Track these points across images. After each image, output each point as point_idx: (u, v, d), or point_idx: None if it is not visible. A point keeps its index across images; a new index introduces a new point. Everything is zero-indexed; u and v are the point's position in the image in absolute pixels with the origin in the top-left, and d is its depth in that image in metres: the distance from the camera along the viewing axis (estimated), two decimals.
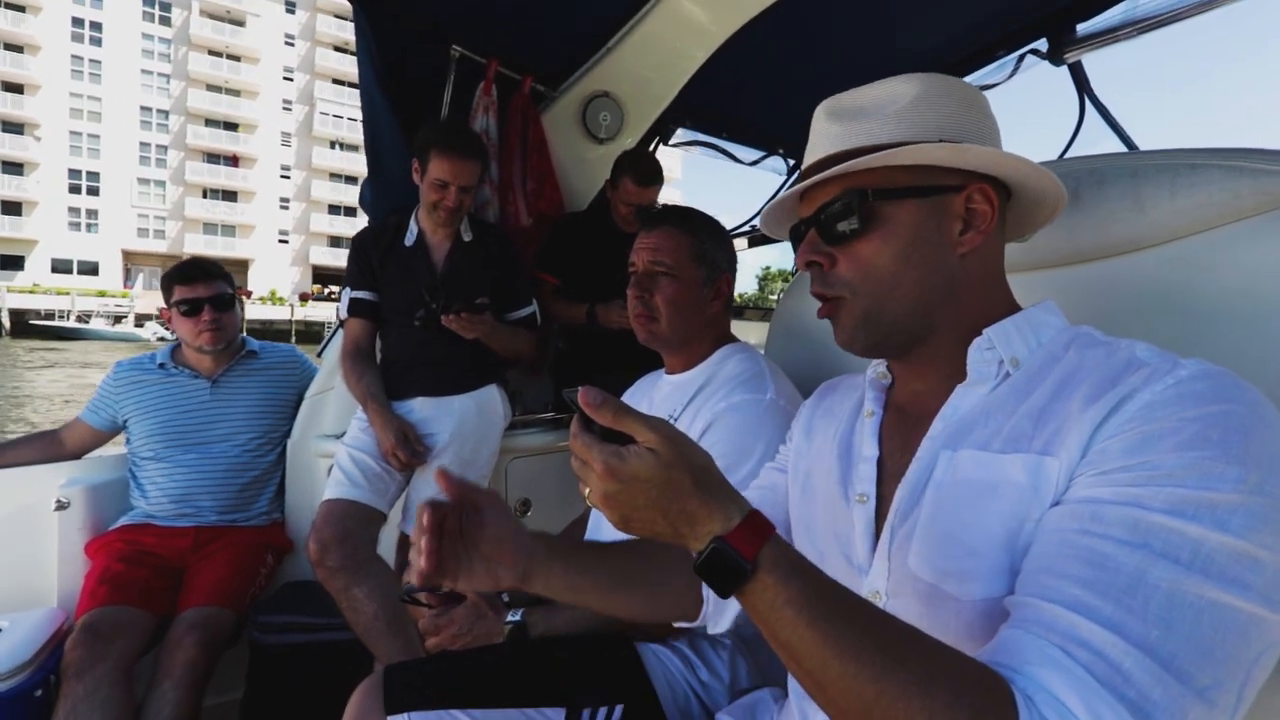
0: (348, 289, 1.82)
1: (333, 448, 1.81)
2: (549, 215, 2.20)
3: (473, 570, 0.69)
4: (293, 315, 36.06)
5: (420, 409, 1.77)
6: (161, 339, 29.88)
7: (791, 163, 3.19)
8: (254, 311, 35.29)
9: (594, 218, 2.25)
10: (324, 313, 36.23)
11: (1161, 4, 1.96)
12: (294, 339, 33.10)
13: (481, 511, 0.71)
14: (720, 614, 0.79)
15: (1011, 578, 0.51)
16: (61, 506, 1.67)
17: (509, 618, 1.00)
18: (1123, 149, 1.65)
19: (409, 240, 1.79)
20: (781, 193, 0.67)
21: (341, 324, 1.86)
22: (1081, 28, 2.11)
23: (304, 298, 40.49)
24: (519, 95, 2.09)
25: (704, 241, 1.15)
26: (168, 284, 1.81)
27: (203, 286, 1.79)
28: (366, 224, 1.91)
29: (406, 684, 0.87)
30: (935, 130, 0.61)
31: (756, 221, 3.48)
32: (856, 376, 0.80)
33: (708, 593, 0.79)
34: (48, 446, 1.80)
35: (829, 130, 0.65)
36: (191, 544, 1.69)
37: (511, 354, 1.86)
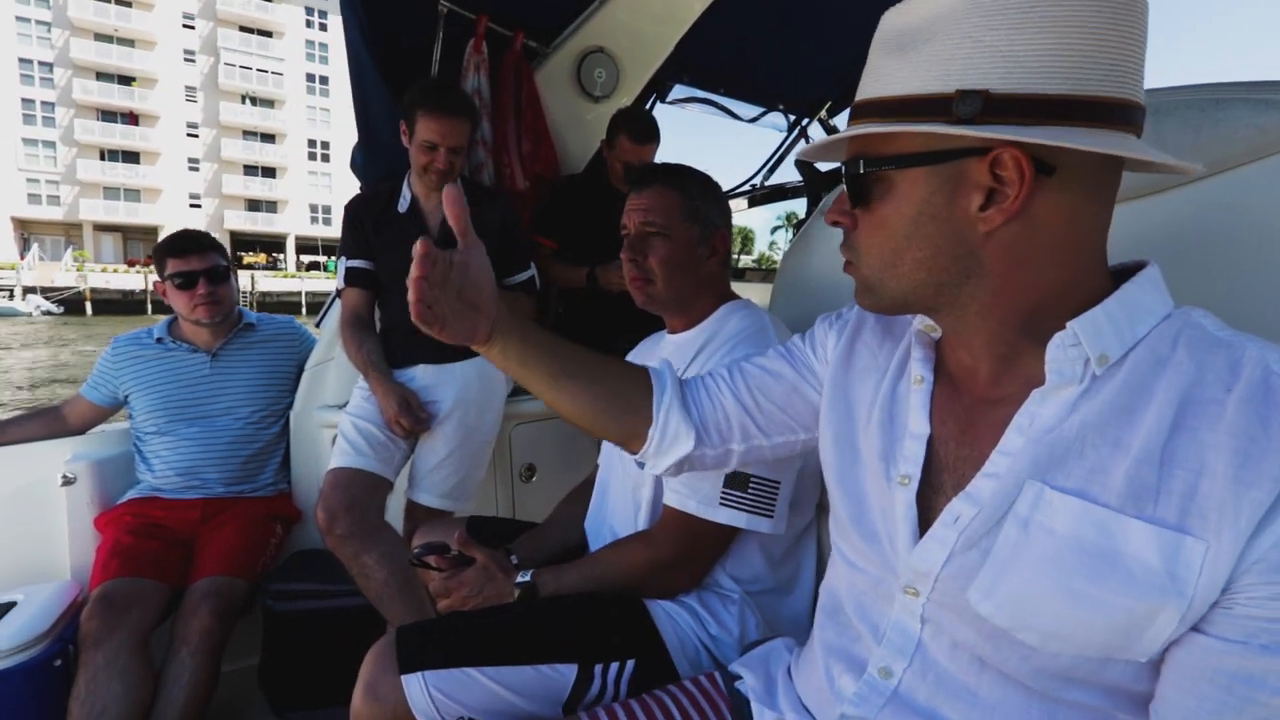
0: (343, 258, 1.79)
1: (335, 418, 1.81)
2: (546, 177, 2.16)
3: (454, 316, 0.72)
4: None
5: (422, 376, 1.76)
6: (47, 312, 27.68)
7: (792, 118, 3.12)
8: (132, 281, 30.70)
9: (591, 179, 2.21)
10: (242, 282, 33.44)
11: None
12: None
13: (467, 261, 0.73)
14: (662, 455, 0.79)
15: (1116, 650, 0.47)
16: (68, 482, 1.68)
17: (519, 578, 1.01)
18: None
19: (403, 206, 1.75)
20: (821, 141, 0.61)
21: (339, 294, 1.84)
22: None
23: None
24: (511, 52, 2.02)
25: (695, 199, 1.11)
26: (160, 257, 1.78)
27: (196, 259, 1.76)
28: (359, 190, 1.87)
29: (419, 644, 0.88)
30: (962, 71, 0.48)
31: (757, 180, 3.40)
32: (899, 319, 0.71)
33: (655, 430, 0.78)
34: (50, 423, 1.80)
35: (872, 64, 0.55)
36: (200, 516, 1.70)
37: None
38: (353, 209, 1.79)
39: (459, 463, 1.74)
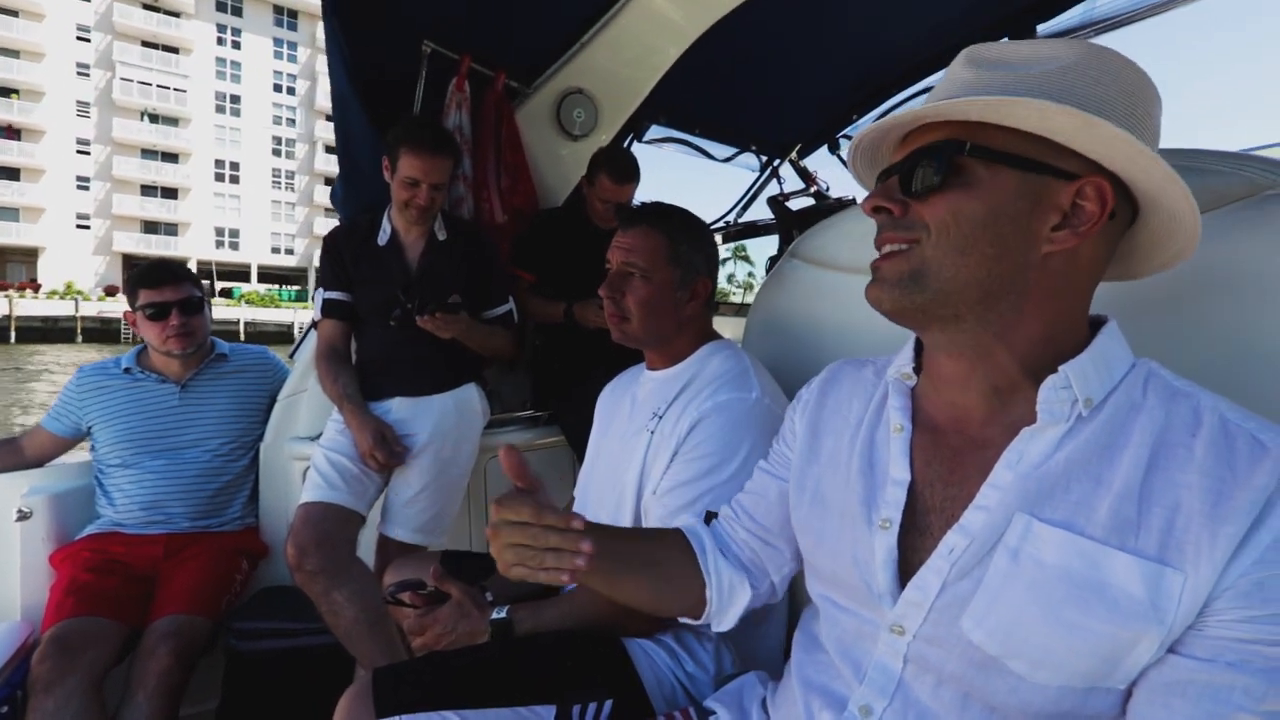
0: (321, 290, 1.79)
1: (307, 450, 1.78)
2: (524, 212, 2.19)
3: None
4: (78, 311, 29.99)
5: (398, 409, 1.75)
6: None
7: (764, 159, 3.22)
8: (30, 307, 29.20)
9: (570, 214, 2.25)
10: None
11: (1119, 5, 2.04)
12: (81, 337, 29.19)
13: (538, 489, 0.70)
14: (725, 611, 0.80)
15: (1099, 678, 0.49)
16: (23, 516, 1.62)
17: (494, 615, 1.01)
18: None
19: (382, 239, 1.76)
20: (886, 123, 0.60)
21: (314, 325, 1.83)
22: (1041, 28, 2.18)
23: (110, 290, 34.51)
24: (492, 91, 2.07)
25: (681, 244, 1.13)
26: (132, 288, 1.76)
27: (170, 290, 1.74)
28: (338, 223, 1.88)
29: (396, 687, 0.87)
30: (1083, 99, 0.51)
31: (730, 217, 3.49)
32: (864, 367, 0.75)
33: (712, 592, 0.80)
34: (7, 455, 1.74)
35: (960, 76, 0.57)
36: (163, 551, 1.65)
37: (489, 352, 1.85)
38: (332, 240, 1.80)
39: (434, 496, 1.73)
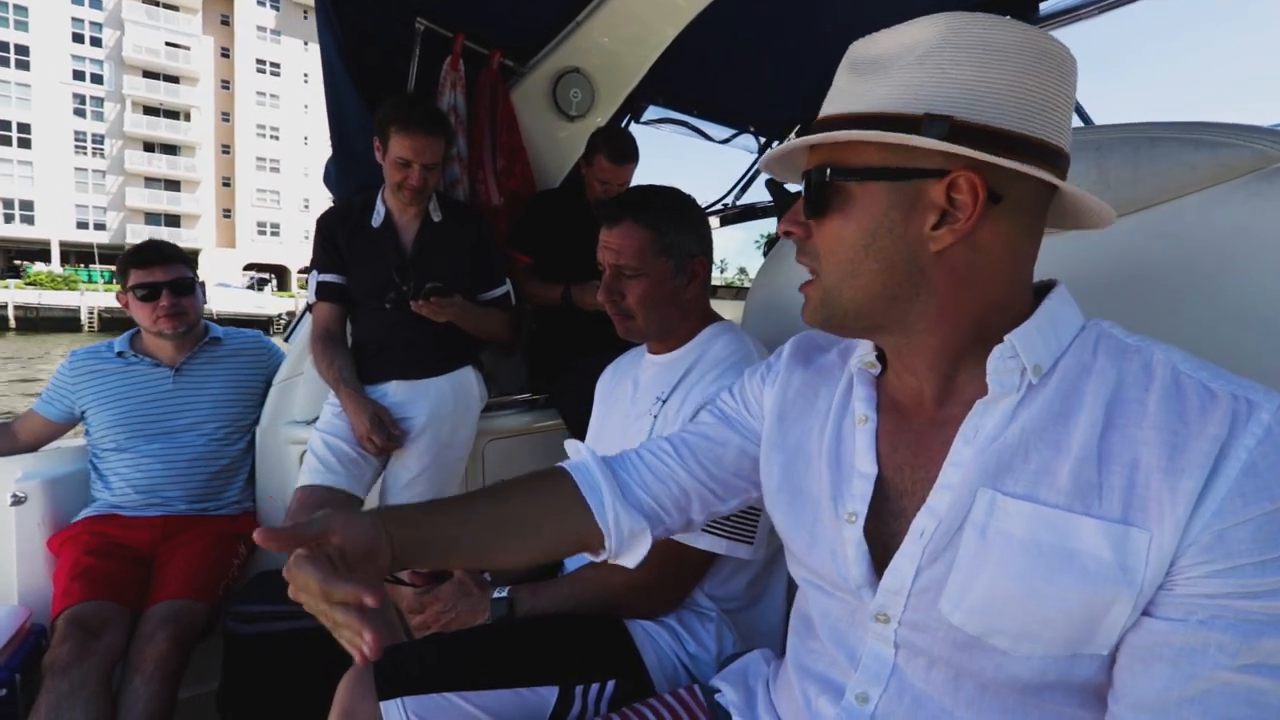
0: (315, 272, 1.77)
1: (304, 434, 1.77)
2: (520, 193, 2.17)
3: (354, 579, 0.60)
4: None
5: (395, 392, 1.74)
6: None
7: (763, 140, 3.19)
8: None
9: (567, 196, 2.22)
10: None
11: None
12: None
13: (327, 537, 0.64)
14: (623, 555, 0.76)
15: (1080, 644, 0.50)
16: (18, 501, 1.61)
17: (494, 595, 1.01)
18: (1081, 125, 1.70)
19: (376, 221, 1.74)
20: (788, 144, 0.62)
21: (309, 308, 1.81)
22: (1044, 7, 2.15)
23: None
24: (487, 71, 2.04)
25: (666, 233, 1.10)
26: (123, 268, 1.73)
27: (160, 270, 1.72)
28: (330, 204, 1.85)
29: (397, 669, 0.87)
30: (930, 98, 0.52)
31: (728, 199, 3.47)
32: (827, 352, 0.75)
33: (611, 541, 0.75)
34: (0, 439, 1.72)
35: (839, 85, 0.58)
36: (161, 534, 1.65)
37: (486, 335, 1.84)
38: (325, 222, 1.77)
39: (431, 480, 1.72)
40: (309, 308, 1.82)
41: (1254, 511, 0.44)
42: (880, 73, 0.55)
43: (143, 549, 1.62)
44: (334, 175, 1.88)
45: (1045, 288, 0.59)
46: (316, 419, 1.75)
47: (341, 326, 1.79)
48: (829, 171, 0.56)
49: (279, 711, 1.57)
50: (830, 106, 0.58)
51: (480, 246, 1.82)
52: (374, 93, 1.79)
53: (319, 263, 1.76)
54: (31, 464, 1.71)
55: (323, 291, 1.75)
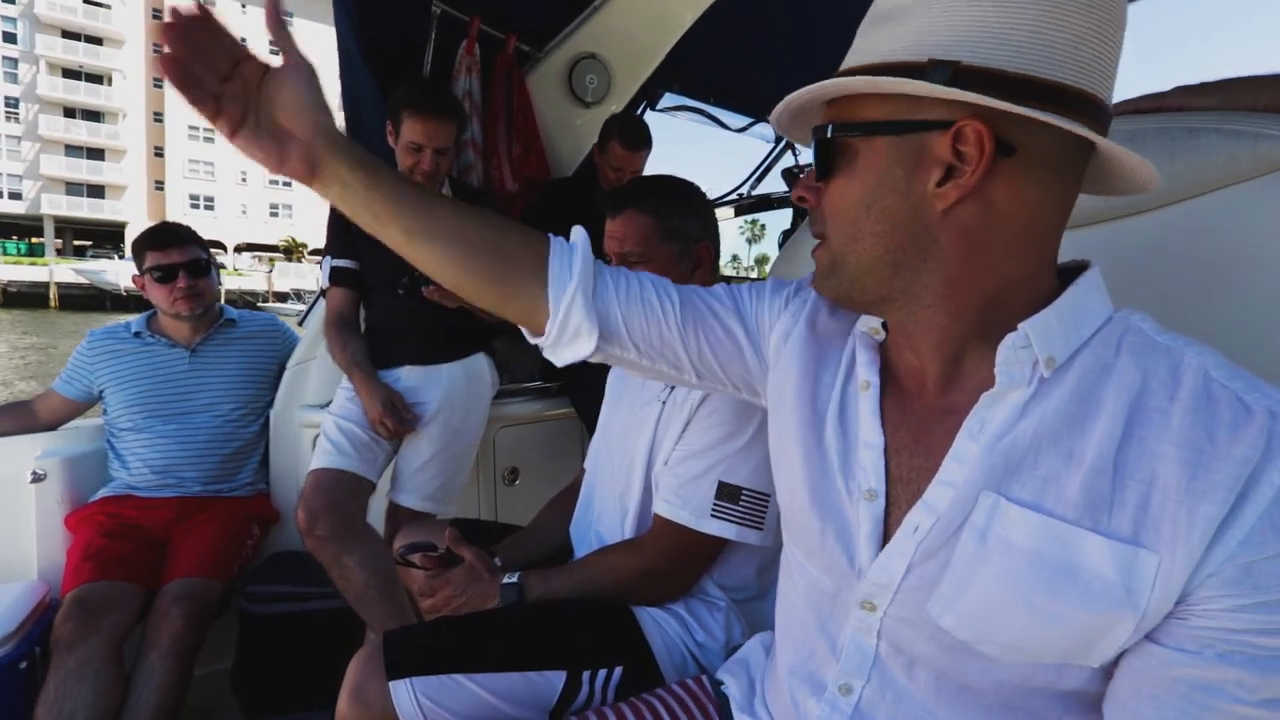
0: (329, 257, 1.77)
1: (317, 418, 1.78)
2: (535, 180, 2.16)
3: (258, 130, 0.60)
4: None
5: (408, 377, 1.74)
6: None
7: None
8: None
9: (581, 183, 2.21)
10: None
11: None
12: None
13: (288, 74, 0.60)
14: (558, 351, 0.70)
15: (1072, 657, 0.48)
16: (38, 478, 1.63)
17: (505, 580, 1.01)
18: None
19: None
20: (799, 93, 0.56)
21: (323, 293, 1.82)
22: None
23: None
24: (503, 55, 2.02)
25: (670, 219, 1.09)
26: (139, 250, 1.74)
27: (176, 252, 1.73)
28: None
29: (407, 650, 0.87)
30: (938, 43, 0.47)
31: (744, 189, 3.43)
32: (834, 315, 0.69)
33: (551, 325, 0.68)
34: (20, 418, 1.75)
35: (856, 39, 0.55)
36: (175, 515, 1.67)
37: (499, 320, 1.84)
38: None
39: (443, 465, 1.73)
40: (323, 292, 1.82)
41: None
42: (893, 21, 0.51)
43: (158, 530, 1.64)
44: None
45: (1075, 270, 0.54)
46: (330, 403, 1.76)
47: (355, 311, 1.80)
48: (831, 129, 0.54)
49: (291, 690, 1.59)
50: (846, 62, 0.55)
51: None
52: (390, 76, 1.78)
53: (333, 248, 1.76)
54: (51, 442, 1.73)
55: (336, 276, 1.76)
